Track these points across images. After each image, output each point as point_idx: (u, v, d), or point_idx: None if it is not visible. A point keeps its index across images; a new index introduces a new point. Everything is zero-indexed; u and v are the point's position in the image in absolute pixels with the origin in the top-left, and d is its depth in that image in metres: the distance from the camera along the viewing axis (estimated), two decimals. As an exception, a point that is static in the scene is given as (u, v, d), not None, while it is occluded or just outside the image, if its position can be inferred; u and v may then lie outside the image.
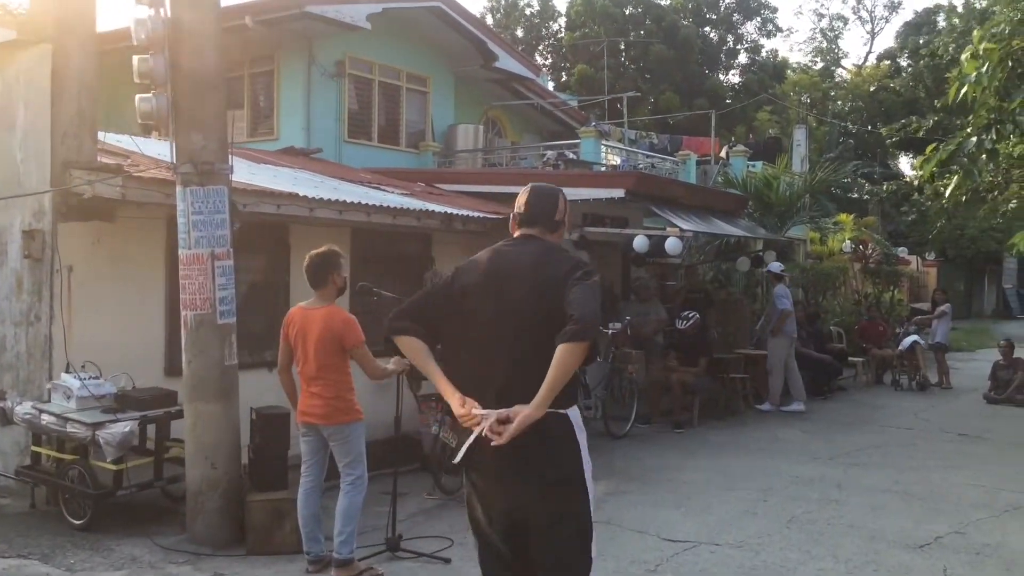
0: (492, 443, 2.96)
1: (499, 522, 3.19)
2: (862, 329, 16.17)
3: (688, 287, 12.98)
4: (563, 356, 2.94)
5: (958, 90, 6.80)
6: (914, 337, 14.82)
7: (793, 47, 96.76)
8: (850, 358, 15.26)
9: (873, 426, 11.06)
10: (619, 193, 10.75)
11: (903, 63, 42.47)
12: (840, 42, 58.31)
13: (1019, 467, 8.68)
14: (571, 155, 14.45)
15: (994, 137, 6.99)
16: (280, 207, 7.30)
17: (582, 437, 3.18)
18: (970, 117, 7.08)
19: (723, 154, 19.15)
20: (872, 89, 39.34)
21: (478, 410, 3.03)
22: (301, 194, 7.45)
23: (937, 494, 7.52)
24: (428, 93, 16.22)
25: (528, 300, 3.13)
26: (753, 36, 41.15)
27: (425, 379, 3.30)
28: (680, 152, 17.35)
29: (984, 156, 6.93)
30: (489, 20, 38.39)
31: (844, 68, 46.77)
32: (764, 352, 12.32)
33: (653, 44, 35.88)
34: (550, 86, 32.07)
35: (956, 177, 7.11)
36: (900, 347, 14.86)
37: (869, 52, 49.69)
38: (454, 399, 3.10)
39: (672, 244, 10.35)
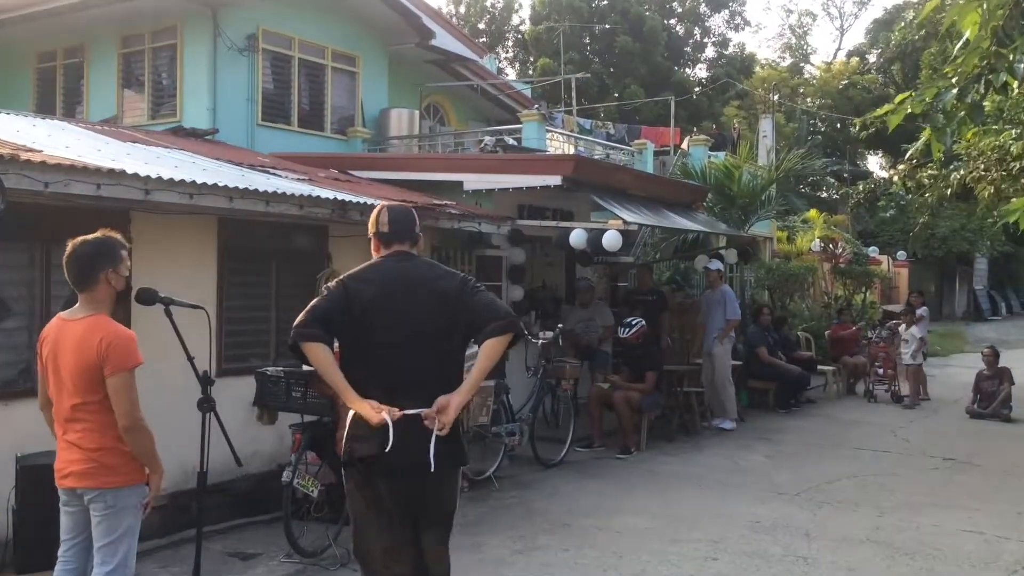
0: (437, 432, 3.39)
1: (401, 506, 3.55)
2: (833, 335, 14.81)
3: (638, 289, 11.52)
4: (492, 349, 3.46)
5: (948, 28, 5.29)
6: (915, 360, 13.32)
7: (762, 43, 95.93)
8: (819, 367, 13.90)
9: (846, 449, 9.65)
10: (555, 180, 9.26)
11: (872, 59, 41.50)
12: (809, 38, 57.10)
13: (1020, 505, 7.28)
14: (512, 141, 12.94)
15: (981, 91, 5.43)
16: (101, 187, 5.71)
17: None
18: (958, 64, 5.42)
19: (684, 145, 17.76)
20: (842, 85, 38.28)
21: (394, 413, 3.38)
22: (131, 172, 5.86)
23: (927, 546, 6.09)
24: (358, 74, 14.64)
25: (433, 313, 3.55)
26: (721, 29, 39.94)
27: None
28: (636, 141, 15.89)
29: (964, 113, 5.35)
30: (453, 13, 36.84)
31: (813, 65, 45.78)
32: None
33: (618, 36, 34.52)
34: (510, 76, 30.58)
35: (926, 133, 5.54)
36: (902, 359, 13.41)
37: (838, 49, 48.78)
38: (364, 406, 3.40)
39: (610, 238, 8.87)
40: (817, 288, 18.33)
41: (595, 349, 10.71)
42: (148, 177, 5.96)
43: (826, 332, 15.15)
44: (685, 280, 13.51)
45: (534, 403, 8.35)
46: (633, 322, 9.41)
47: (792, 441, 10.04)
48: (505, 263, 10.44)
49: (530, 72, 36.08)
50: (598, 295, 12.26)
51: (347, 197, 7.60)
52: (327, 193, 7.53)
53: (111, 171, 5.76)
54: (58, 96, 14.15)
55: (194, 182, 6.23)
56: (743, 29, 44.68)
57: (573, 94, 17.10)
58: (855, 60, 41.13)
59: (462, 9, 38.12)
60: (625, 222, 8.88)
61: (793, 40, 48.56)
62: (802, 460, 9.00)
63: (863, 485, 7.93)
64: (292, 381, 5.27)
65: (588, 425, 9.44)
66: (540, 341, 8.35)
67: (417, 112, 15.06)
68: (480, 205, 10.10)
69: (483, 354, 3.43)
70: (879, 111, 5.69)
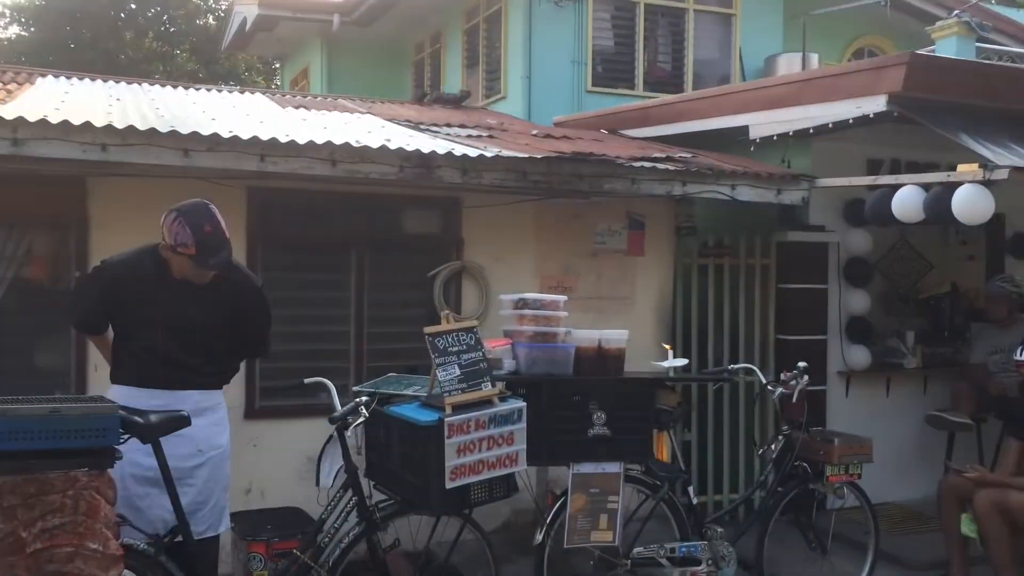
0: None
1: None
2: None
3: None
4: None
5: None
6: None
7: None
8: None
9: None
10: (875, 105, 5.22)
11: None
12: None
13: None
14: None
15: None
16: None
17: None
18: None
19: None
20: None
21: None
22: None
23: None
24: (734, 16, 11.30)
25: None
26: None
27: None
28: None
29: None
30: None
31: None
32: None
33: None
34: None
35: None
36: None
37: None
38: None
39: (964, 201, 4.56)
40: None
41: (1016, 400, 6.14)
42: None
43: None
44: None
45: (763, 506, 4.54)
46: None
47: None
48: (837, 254, 6.49)
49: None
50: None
51: (435, 148, 4.83)
52: (410, 144, 4.83)
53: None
54: (425, 85, 13.47)
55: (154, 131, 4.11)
56: None
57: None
58: None
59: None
60: (984, 166, 4.50)
61: None
62: None
63: None
64: None
65: (947, 544, 5.17)
66: (778, 391, 4.51)
67: (815, 56, 11.07)
68: (787, 164, 6.36)
69: None
70: None
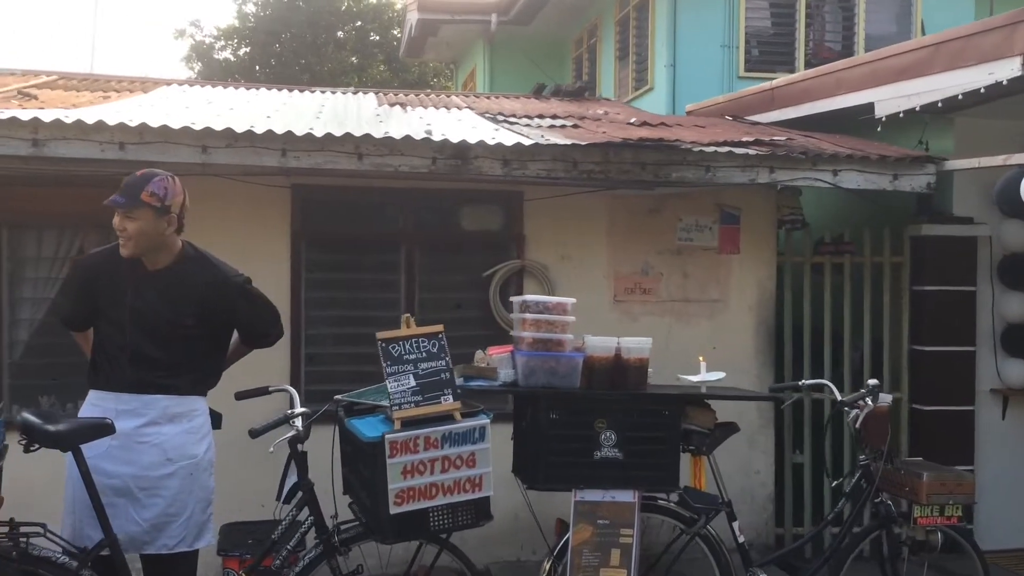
0: None
1: None
2: None
3: None
4: None
5: None
6: None
7: None
8: None
9: None
10: (1009, 69, 4.30)
11: None
12: None
13: None
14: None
15: None
16: None
17: None
18: None
19: None
20: None
21: None
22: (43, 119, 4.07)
23: None
24: (915, -17, 10.04)
25: None
26: None
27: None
28: None
29: None
30: None
31: None
32: None
33: None
34: None
35: None
36: None
37: None
38: None
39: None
40: None
41: None
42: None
43: None
44: None
45: (835, 547, 3.76)
46: None
47: None
48: (989, 250, 5.45)
49: None
50: None
51: (465, 137, 4.47)
52: (443, 134, 4.50)
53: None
54: (584, 80, 13.06)
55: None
56: None
57: None
58: None
59: None
60: None
61: None
62: None
63: None
64: None
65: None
66: (853, 413, 3.74)
67: None
68: (925, 146, 5.42)
69: None
70: None
